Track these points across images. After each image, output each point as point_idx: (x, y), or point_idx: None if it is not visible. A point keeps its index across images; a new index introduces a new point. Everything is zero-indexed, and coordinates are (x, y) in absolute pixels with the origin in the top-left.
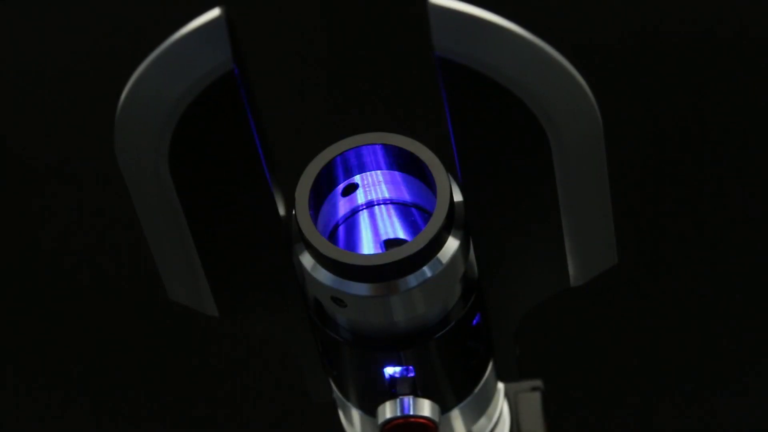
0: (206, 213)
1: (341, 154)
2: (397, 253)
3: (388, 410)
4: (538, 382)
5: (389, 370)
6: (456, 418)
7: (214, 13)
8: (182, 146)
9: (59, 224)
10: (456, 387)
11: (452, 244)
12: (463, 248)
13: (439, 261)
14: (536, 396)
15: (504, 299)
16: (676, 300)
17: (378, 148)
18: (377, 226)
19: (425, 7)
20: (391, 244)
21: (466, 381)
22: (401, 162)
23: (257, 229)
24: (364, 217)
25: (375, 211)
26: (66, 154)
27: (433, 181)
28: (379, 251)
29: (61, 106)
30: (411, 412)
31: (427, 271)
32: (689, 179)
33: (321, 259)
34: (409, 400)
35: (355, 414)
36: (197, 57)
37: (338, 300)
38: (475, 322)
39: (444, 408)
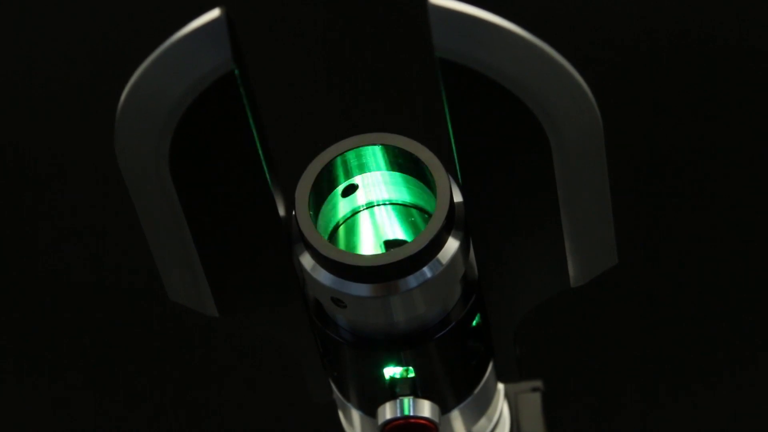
0: (206, 213)
1: (341, 154)
2: (397, 254)
3: (388, 411)
4: (538, 383)
5: (389, 371)
6: (456, 418)
7: (214, 13)
8: (182, 146)
9: (59, 224)
10: (456, 388)
11: (452, 245)
12: (463, 249)
13: (439, 262)
14: (536, 396)
15: (504, 300)
16: (676, 300)
17: (378, 148)
18: (377, 227)
19: (425, 7)
20: (391, 244)
21: (466, 382)
22: (401, 162)
23: (257, 230)
24: (364, 218)
25: (375, 212)
26: (66, 154)
27: (433, 181)
28: (379, 252)
29: (61, 106)
30: (411, 413)
31: (427, 271)
32: (689, 179)
33: (321, 259)
34: (409, 400)
35: (355, 414)
36: (197, 57)
37: (338, 301)
38: (475, 322)
39: (444, 409)
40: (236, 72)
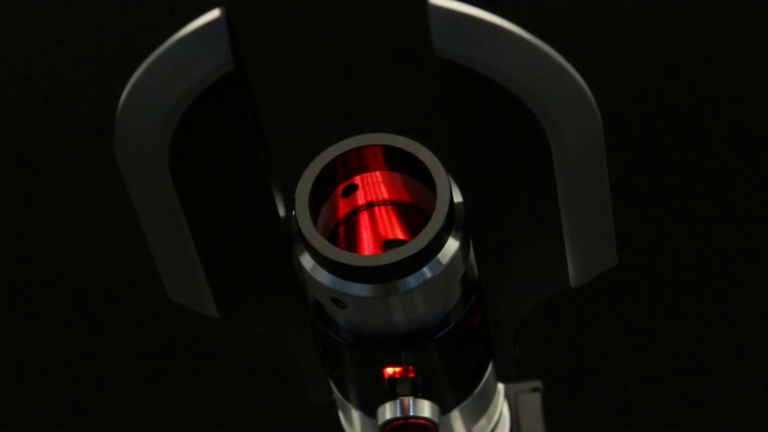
0: (206, 213)
1: (341, 155)
2: (397, 254)
3: (387, 411)
4: (538, 383)
5: (389, 371)
6: (456, 419)
7: (214, 13)
8: (182, 147)
9: (59, 224)
10: (456, 388)
11: (452, 245)
12: (463, 249)
13: (439, 262)
14: (536, 397)
15: (504, 300)
16: (676, 301)
17: (378, 149)
18: (377, 227)
19: (425, 7)
20: (391, 244)
21: (466, 382)
22: (401, 163)
23: (257, 230)
24: (364, 218)
25: (375, 212)
26: (66, 154)
27: (433, 181)
28: (379, 252)
29: (61, 106)
30: (411, 413)
31: (427, 272)
32: (689, 179)
33: (321, 260)
34: (409, 401)
35: (355, 415)
36: (197, 58)
37: (338, 301)
38: (475, 323)
39: (444, 409)
40: (236, 72)
